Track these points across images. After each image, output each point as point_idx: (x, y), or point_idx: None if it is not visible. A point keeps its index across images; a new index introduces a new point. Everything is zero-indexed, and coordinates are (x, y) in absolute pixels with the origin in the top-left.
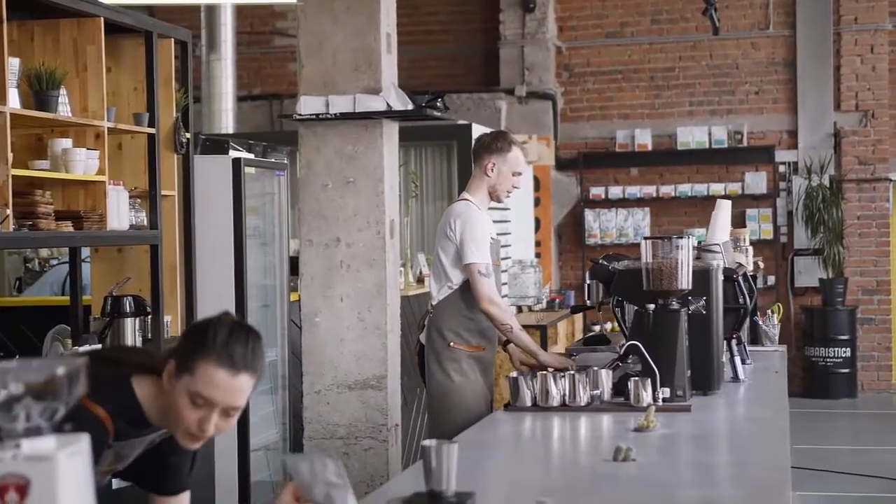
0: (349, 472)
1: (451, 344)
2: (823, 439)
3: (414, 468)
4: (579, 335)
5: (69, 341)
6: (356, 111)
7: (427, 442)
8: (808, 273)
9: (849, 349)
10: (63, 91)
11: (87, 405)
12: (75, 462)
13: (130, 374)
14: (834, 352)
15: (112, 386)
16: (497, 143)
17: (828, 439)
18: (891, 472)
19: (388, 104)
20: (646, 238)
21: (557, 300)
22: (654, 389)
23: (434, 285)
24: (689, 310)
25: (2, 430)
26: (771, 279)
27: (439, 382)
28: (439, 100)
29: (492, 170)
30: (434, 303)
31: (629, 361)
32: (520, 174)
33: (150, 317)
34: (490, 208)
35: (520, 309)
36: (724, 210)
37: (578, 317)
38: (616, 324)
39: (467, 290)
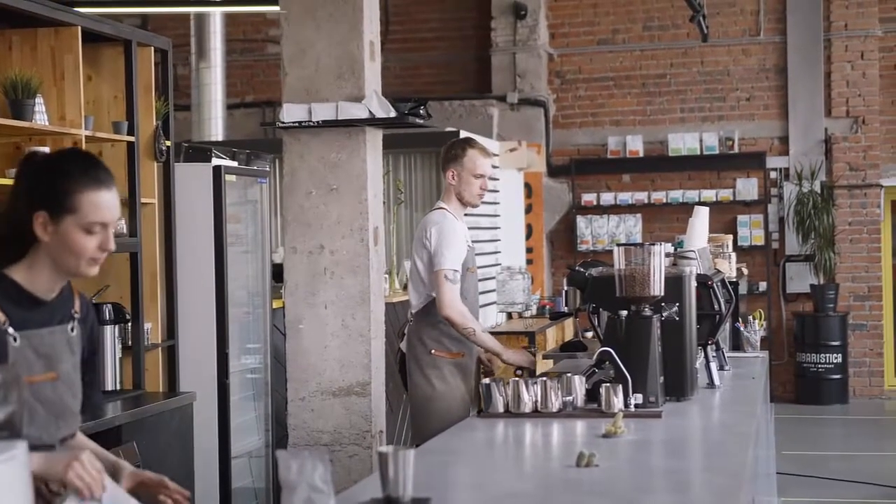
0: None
1: (433, 351)
2: (814, 445)
3: (374, 475)
4: None
5: None
6: (339, 119)
7: (383, 448)
8: (800, 279)
9: (840, 355)
10: (40, 100)
11: None
12: (11, 468)
13: (3, 271)
14: (825, 358)
15: None
16: (452, 150)
17: (819, 445)
18: (881, 479)
19: (370, 112)
20: (619, 245)
21: (548, 307)
22: (627, 396)
23: (413, 294)
24: (661, 316)
25: None
26: (763, 285)
27: (422, 390)
28: (422, 107)
29: (454, 177)
30: (414, 311)
31: (603, 367)
32: (482, 176)
33: (129, 324)
34: (478, 215)
35: (509, 315)
36: (701, 217)
37: (569, 323)
38: None
39: None
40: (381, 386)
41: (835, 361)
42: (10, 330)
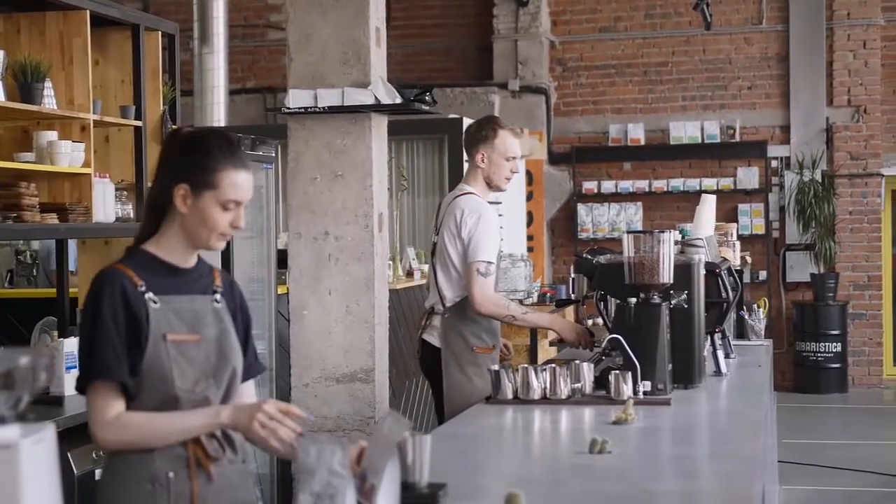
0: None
1: (475, 348)
2: (814, 434)
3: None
4: None
5: (55, 333)
6: (344, 105)
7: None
8: (800, 268)
9: (840, 344)
10: (48, 83)
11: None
12: (39, 450)
13: (139, 245)
14: (825, 347)
15: (126, 255)
16: (482, 131)
17: (818, 434)
18: (880, 467)
19: (376, 98)
20: (628, 232)
21: (549, 294)
22: (636, 383)
23: (445, 285)
24: (670, 304)
25: None
26: (763, 274)
27: (460, 387)
28: (427, 94)
29: (483, 160)
30: (448, 304)
31: (612, 355)
32: (513, 158)
33: None
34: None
35: None
36: (708, 205)
37: (570, 311)
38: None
39: None
40: (384, 373)
41: (834, 350)
42: (150, 294)
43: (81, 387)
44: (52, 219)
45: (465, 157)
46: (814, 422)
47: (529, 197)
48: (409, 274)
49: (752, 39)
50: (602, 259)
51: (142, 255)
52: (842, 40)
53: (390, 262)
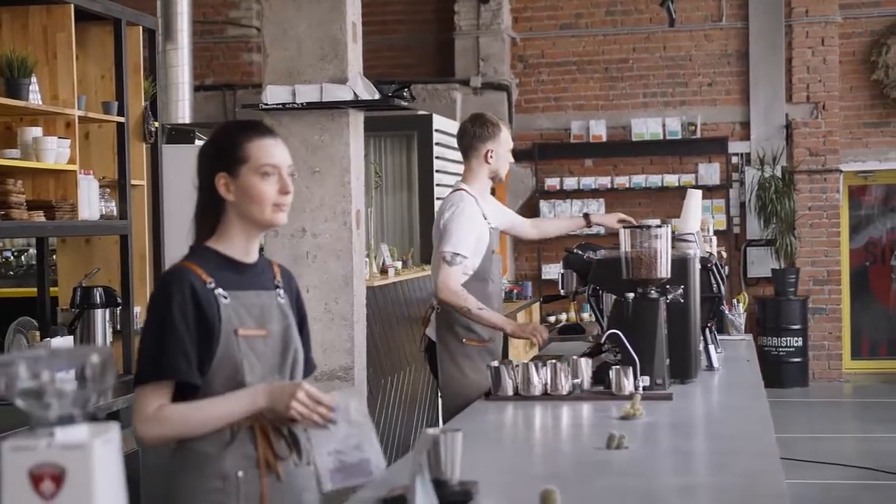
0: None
1: (464, 340)
2: (777, 428)
3: (405, 459)
4: None
5: (37, 333)
6: (323, 101)
7: (432, 430)
8: (761, 263)
9: (800, 339)
10: (34, 79)
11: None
12: (109, 450)
13: (203, 244)
14: (786, 341)
15: (190, 253)
16: (487, 129)
17: (781, 428)
18: (842, 459)
19: (355, 94)
20: (625, 227)
21: (515, 291)
22: (635, 378)
23: (435, 280)
24: (667, 298)
25: (35, 418)
26: (724, 269)
27: (455, 380)
28: (406, 90)
29: (491, 157)
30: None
31: (604, 350)
32: (510, 148)
33: (120, 308)
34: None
35: None
36: (695, 199)
37: (536, 307)
38: (579, 314)
39: (474, 284)
40: (363, 370)
41: (795, 345)
42: (219, 290)
43: (141, 383)
44: (39, 216)
45: (468, 156)
46: (777, 415)
47: (492, 194)
48: (384, 271)
49: (713, 36)
50: (597, 254)
51: (206, 251)
52: (800, 37)
53: (366, 260)
